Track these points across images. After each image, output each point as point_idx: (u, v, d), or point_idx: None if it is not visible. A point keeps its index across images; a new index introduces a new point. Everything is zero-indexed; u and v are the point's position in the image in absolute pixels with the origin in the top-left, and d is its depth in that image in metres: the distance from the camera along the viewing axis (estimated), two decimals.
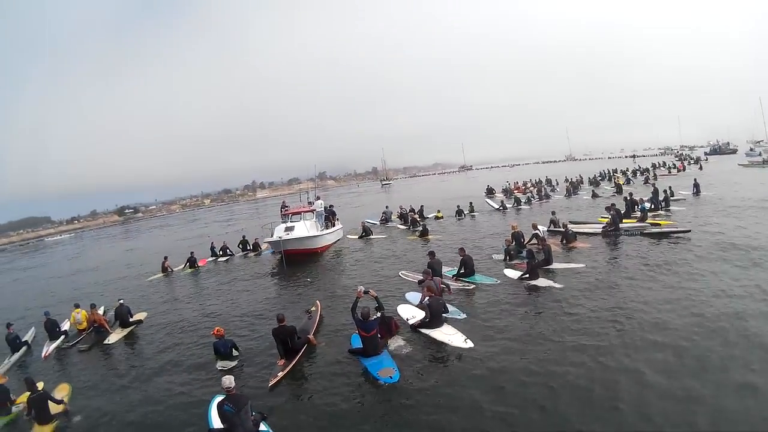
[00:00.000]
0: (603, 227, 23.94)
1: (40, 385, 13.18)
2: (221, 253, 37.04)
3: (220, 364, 14.40)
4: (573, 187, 49.54)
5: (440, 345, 13.23)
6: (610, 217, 24.19)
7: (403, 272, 21.55)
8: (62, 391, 14.19)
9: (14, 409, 13.67)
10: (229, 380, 9.68)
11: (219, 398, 10.92)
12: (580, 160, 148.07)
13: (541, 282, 17.27)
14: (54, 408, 12.66)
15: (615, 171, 67.49)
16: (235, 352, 14.88)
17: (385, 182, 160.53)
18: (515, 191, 54.49)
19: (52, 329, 19.70)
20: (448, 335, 13.46)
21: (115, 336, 19.32)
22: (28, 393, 12.61)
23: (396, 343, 13.65)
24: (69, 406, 13.02)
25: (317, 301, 18.26)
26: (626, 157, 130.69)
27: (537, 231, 22.49)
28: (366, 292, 14.22)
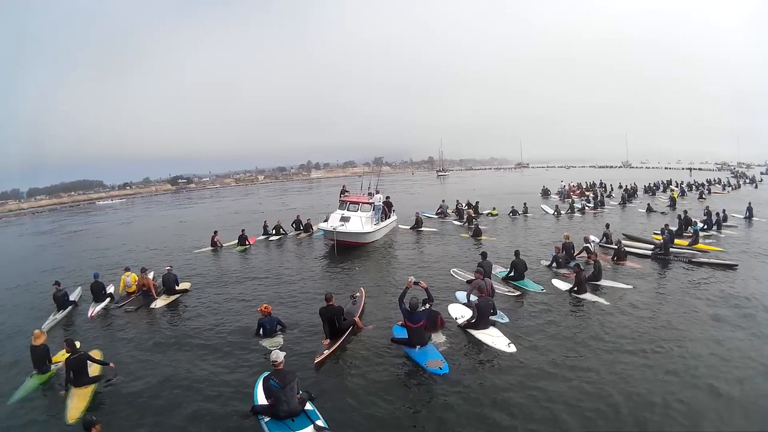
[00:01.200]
0: (653, 250, 23.44)
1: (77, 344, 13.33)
2: (274, 232, 37.19)
3: (266, 342, 14.59)
4: (628, 195, 48.42)
5: (482, 346, 13.34)
6: (662, 239, 23.57)
7: (454, 270, 21.55)
8: (95, 356, 14.17)
9: (53, 367, 13.99)
10: (276, 355, 10.07)
11: (267, 374, 11.09)
12: (637, 167, 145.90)
13: (588, 297, 17.13)
14: (92, 371, 12.98)
15: (669, 182, 65.37)
16: (279, 328, 15.19)
17: (441, 173, 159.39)
18: (571, 193, 53.47)
19: (98, 291, 20.25)
20: (493, 337, 13.52)
21: (160, 302, 19.92)
22: (67, 354, 12.81)
23: (438, 338, 13.72)
24: (108, 369, 13.24)
25: (361, 288, 18.58)
26: (683, 168, 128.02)
27: (588, 245, 22.35)
28: (416, 283, 14.39)
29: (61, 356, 14.06)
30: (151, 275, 22.07)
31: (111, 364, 13.14)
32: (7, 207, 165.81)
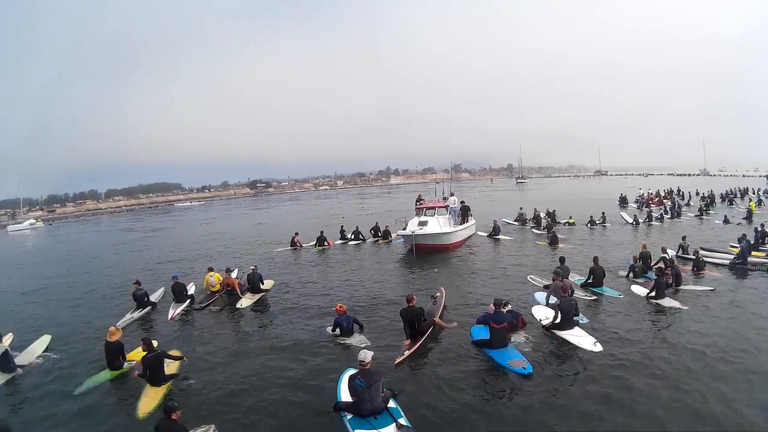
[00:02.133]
0: (731, 260, 22.81)
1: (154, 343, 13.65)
2: (353, 237, 37.72)
3: (346, 340, 14.91)
4: (705, 205, 46.68)
5: (566, 346, 13.36)
6: (740, 248, 22.98)
7: (531, 276, 21.49)
8: (173, 353, 14.52)
9: (126, 364, 14.36)
10: (364, 355, 10.14)
11: (350, 371, 11.35)
12: (714, 175, 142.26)
13: (666, 302, 16.86)
14: (168, 369, 13.34)
15: (746, 190, 63.00)
16: (356, 327, 15.42)
17: (519, 180, 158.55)
18: (649, 202, 52.26)
19: (179, 292, 20.67)
20: (578, 337, 13.54)
21: (246, 301, 20.39)
22: (143, 352, 13.09)
23: (517, 338, 13.74)
24: (183, 365, 13.75)
25: (442, 288, 18.56)
26: (760, 176, 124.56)
27: (665, 255, 21.65)
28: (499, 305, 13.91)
29: (136, 354, 14.47)
30: (234, 274, 22.50)
31: (185, 358, 13.67)
32: (85, 207, 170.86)
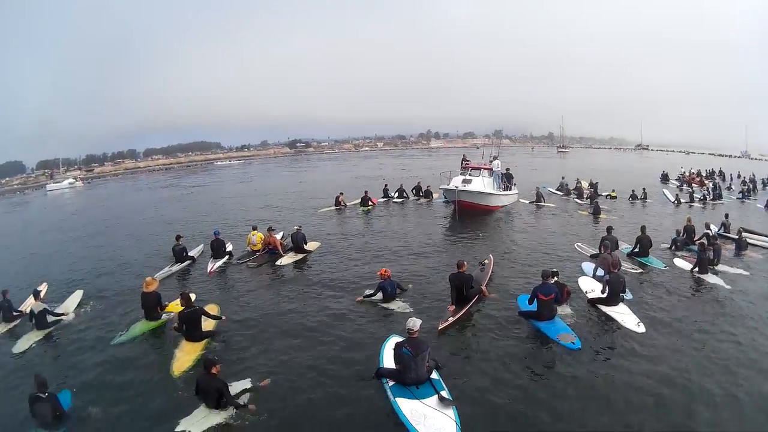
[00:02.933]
0: None
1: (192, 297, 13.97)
2: (396, 195, 37.94)
3: (389, 305, 14.79)
4: (747, 190, 45.37)
5: (611, 323, 13.21)
6: None
7: (578, 244, 21.44)
8: (211, 311, 14.62)
9: (164, 316, 14.72)
10: (413, 323, 9.97)
11: (394, 338, 11.61)
12: (756, 159, 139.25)
13: (710, 278, 16.78)
14: (205, 326, 13.42)
15: None
16: (398, 290, 15.23)
17: (561, 149, 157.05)
18: (691, 182, 50.50)
19: (217, 248, 21.04)
20: (622, 315, 13.35)
21: (286, 259, 20.54)
22: (182, 306, 13.26)
23: (564, 311, 13.56)
24: (221, 323, 13.84)
25: (490, 255, 18.48)
26: None
27: (708, 231, 21.70)
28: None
29: (174, 307, 14.75)
30: (279, 235, 22.82)
31: (224, 318, 13.85)
32: (123, 166, 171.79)
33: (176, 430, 9.07)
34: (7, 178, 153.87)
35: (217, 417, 9.43)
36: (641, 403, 9.44)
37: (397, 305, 14.72)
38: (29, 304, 15.09)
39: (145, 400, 10.27)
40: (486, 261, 17.85)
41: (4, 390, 11.08)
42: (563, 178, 43.11)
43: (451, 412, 8.99)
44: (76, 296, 16.81)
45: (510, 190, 34.72)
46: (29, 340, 13.76)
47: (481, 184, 30.82)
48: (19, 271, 22.49)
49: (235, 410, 9.58)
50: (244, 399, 10.01)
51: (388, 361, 10.76)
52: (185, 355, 12.19)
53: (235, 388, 10.09)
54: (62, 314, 14.98)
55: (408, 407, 9.26)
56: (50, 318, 14.52)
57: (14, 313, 15.29)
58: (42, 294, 16.12)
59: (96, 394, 10.56)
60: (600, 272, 16.02)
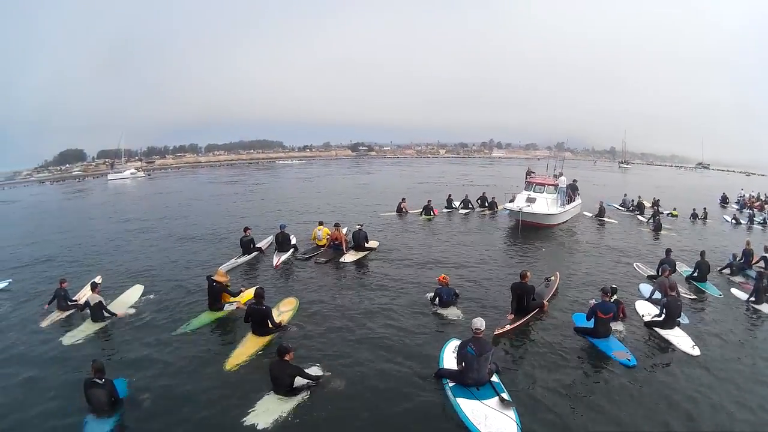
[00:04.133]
0: None
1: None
2: (461, 205, 37.70)
3: (443, 311, 15.10)
4: None
5: (665, 344, 13.17)
6: None
7: (637, 264, 21.24)
8: (288, 305, 15.39)
9: (226, 307, 15.14)
10: (479, 322, 10.15)
11: (454, 341, 11.90)
12: None
13: (765, 308, 16.35)
14: (279, 319, 13.89)
15: None
16: (455, 298, 15.46)
17: (622, 164, 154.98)
18: (751, 205, 48.35)
19: (283, 242, 21.64)
20: (677, 337, 13.29)
21: (349, 257, 21.14)
22: (250, 299, 13.81)
23: (616, 326, 13.63)
24: (289, 324, 14.06)
25: (557, 273, 18.44)
26: None
27: (767, 255, 20.73)
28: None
29: (243, 299, 15.28)
30: (344, 231, 23.26)
31: (288, 327, 13.82)
32: (185, 159, 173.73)
33: (246, 416, 9.56)
34: (68, 165, 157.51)
35: (287, 404, 9.83)
36: (700, 425, 9.54)
37: (451, 312, 15.05)
38: (86, 296, 15.54)
39: (200, 390, 10.67)
40: (552, 277, 17.90)
41: (58, 378, 11.44)
42: (625, 194, 42.74)
43: (511, 413, 9.20)
44: (136, 290, 17.18)
45: (574, 201, 34.75)
46: (83, 331, 14.06)
47: (545, 204, 30.70)
48: (77, 260, 23.17)
49: (303, 396, 10.07)
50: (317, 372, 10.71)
51: (448, 363, 11.10)
52: (244, 350, 12.51)
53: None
54: (115, 314, 14.99)
55: (469, 407, 9.48)
56: (106, 313, 14.73)
57: (70, 303, 15.63)
58: (98, 286, 16.29)
59: (152, 383, 11.03)
60: (657, 295, 15.98)
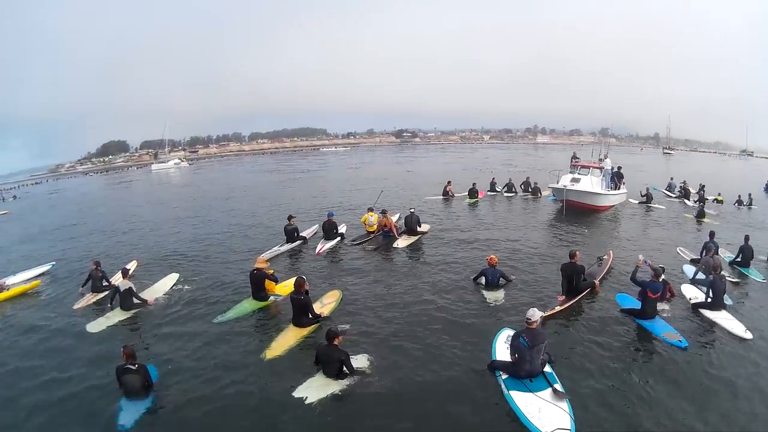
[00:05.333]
0: None
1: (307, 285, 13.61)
2: (504, 189, 38.21)
3: (488, 294, 15.13)
4: None
5: (715, 326, 12.93)
6: None
7: (680, 248, 21.02)
8: (332, 297, 15.07)
9: (271, 297, 14.99)
10: (533, 313, 9.91)
11: (506, 331, 11.86)
12: None
13: None
14: (322, 310, 13.90)
15: None
16: (502, 281, 15.49)
17: (666, 151, 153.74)
18: None
19: (329, 230, 21.63)
20: (727, 320, 13.04)
21: (401, 242, 21.11)
22: (294, 289, 13.42)
23: (662, 306, 13.45)
24: (330, 315, 13.90)
25: (610, 251, 18.47)
26: None
27: None
28: (644, 262, 14.24)
29: (282, 288, 15.30)
30: (395, 218, 23.55)
31: (326, 319, 13.58)
32: (228, 148, 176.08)
33: (294, 395, 9.71)
34: (111, 156, 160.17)
35: (336, 385, 9.93)
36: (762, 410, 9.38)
37: (494, 295, 15.01)
38: (116, 281, 15.57)
39: (234, 378, 10.76)
40: (605, 256, 17.86)
41: (89, 364, 11.60)
42: (672, 178, 42.60)
43: (565, 405, 9.08)
44: (171, 279, 17.31)
45: (619, 189, 34.42)
46: (111, 318, 14.24)
47: (590, 183, 30.74)
48: (118, 247, 24.03)
49: (352, 380, 10.15)
50: (363, 367, 10.62)
51: (500, 353, 11.01)
52: (283, 340, 12.48)
53: (354, 362, 10.54)
54: (145, 300, 15.05)
55: (522, 400, 9.35)
56: (135, 300, 14.80)
57: (104, 284, 16.10)
58: (130, 272, 16.87)
59: (183, 369, 11.22)
60: (700, 275, 15.96)
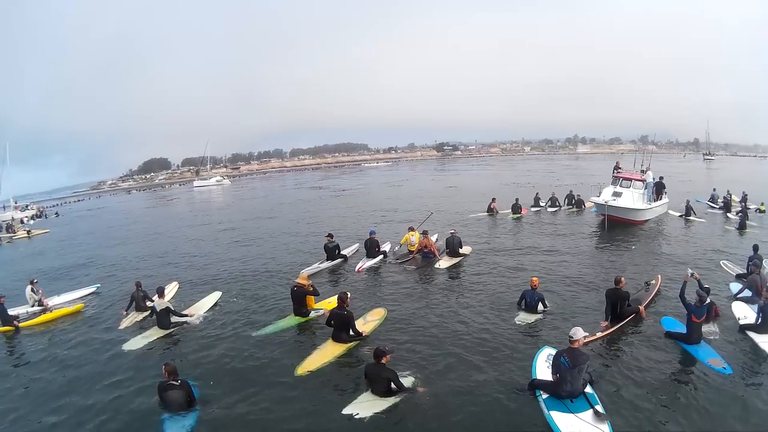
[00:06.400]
0: None
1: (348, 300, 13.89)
2: (549, 203, 38.24)
3: (522, 315, 15.10)
4: None
5: (759, 352, 12.46)
6: None
7: (724, 262, 20.64)
8: (376, 315, 15.28)
9: (312, 313, 15.40)
10: (575, 332, 10.02)
11: (547, 349, 11.89)
12: None
13: None
14: (364, 327, 14.11)
15: None
16: (540, 307, 15.34)
17: (707, 156, 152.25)
18: None
19: (371, 247, 22.03)
20: None
21: (444, 263, 21.15)
22: (333, 306, 13.92)
23: (708, 327, 13.33)
24: (372, 334, 14.07)
25: (659, 275, 17.89)
26: None
27: None
28: (691, 275, 13.89)
29: (326, 304, 15.51)
30: (434, 238, 23.72)
31: (366, 337, 13.78)
32: (270, 165, 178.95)
33: (343, 412, 9.94)
34: (152, 173, 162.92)
35: (383, 403, 10.15)
36: None
37: (528, 317, 15.04)
38: (154, 301, 15.91)
39: (276, 395, 11.09)
40: (653, 281, 17.32)
41: (133, 382, 11.98)
42: (714, 189, 41.77)
43: (606, 428, 9.09)
44: (213, 297, 17.76)
45: (661, 200, 34.32)
46: (148, 337, 14.65)
47: (631, 198, 30.66)
48: (160, 265, 25.06)
49: (399, 398, 10.34)
50: (408, 386, 10.75)
51: (541, 373, 11.02)
52: (322, 356, 12.69)
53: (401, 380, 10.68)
54: (186, 315, 15.66)
55: (562, 421, 9.37)
56: (174, 318, 15.29)
57: (147, 304, 16.43)
58: (168, 293, 17.51)
59: (226, 385, 11.56)
60: (747, 293, 15.67)
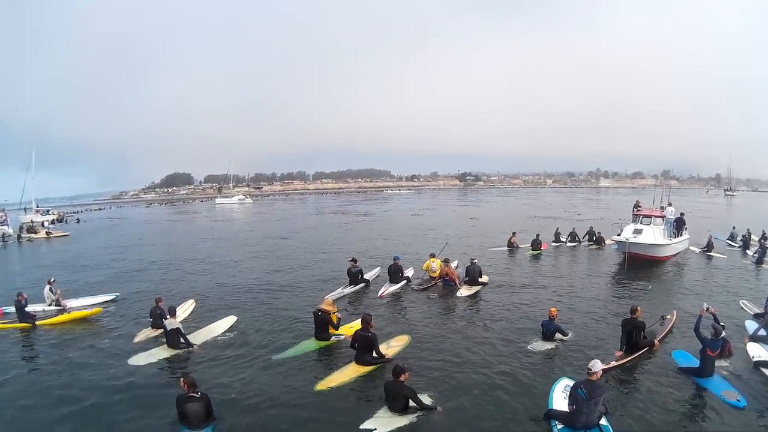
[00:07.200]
0: None
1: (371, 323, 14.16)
2: (569, 239, 38.43)
3: (538, 345, 15.36)
4: None
5: None
6: None
7: (744, 302, 20.49)
8: (400, 341, 15.47)
9: (333, 338, 15.43)
10: (593, 364, 10.13)
11: (564, 380, 11.98)
12: None
13: None
14: (388, 352, 14.23)
15: None
16: (559, 335, 15.61)
17: (728, 192, 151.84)
18: None
19: (394, 273, 22.34)
20: None
21: (464, 291, 21.49)
22: (356, 328, 14.10)
23: (720, 363, 13.30)
24: (394, 357, 14.08)
25: (674, 311, 18.13)
26: None
27: None
28: (707, 309, 14.05)
29: (347, 329, 15.73)
30: (454, 264, 24.03)
31: (390, 361, 13.68)
32: (293, 186, 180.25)
33: (362, 427, 10.23)
34: (175, 187, 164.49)
35: (402, 420, 10.44)
36: None
37: (541, 346, 15.31)
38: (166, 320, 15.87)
39: (296, 415, 11.21)
40: (668, 316, 17.41)
41: (150, 398, 12.08)
42: (734, 227, 41.48)
43: None
44: (228, 321, 17.74)
45: (681, 236, 34.29)
46: (155, 355, 14.78)
47: (652, 235, 30.62)
48: (179, 282, 25.46)
49: (417, 416, 10.63)
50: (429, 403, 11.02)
51: (557, 403, 11.15)
52: (343, 376, 12.90)
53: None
54: (192, 345, 15.45)
55: None
56: (182, 339, 15.26)
57: (164, 320, 15.99)
58: (183, 311, 18.06)
59: (242, 404, 11.70)
60: (762, 332, 15.60)
